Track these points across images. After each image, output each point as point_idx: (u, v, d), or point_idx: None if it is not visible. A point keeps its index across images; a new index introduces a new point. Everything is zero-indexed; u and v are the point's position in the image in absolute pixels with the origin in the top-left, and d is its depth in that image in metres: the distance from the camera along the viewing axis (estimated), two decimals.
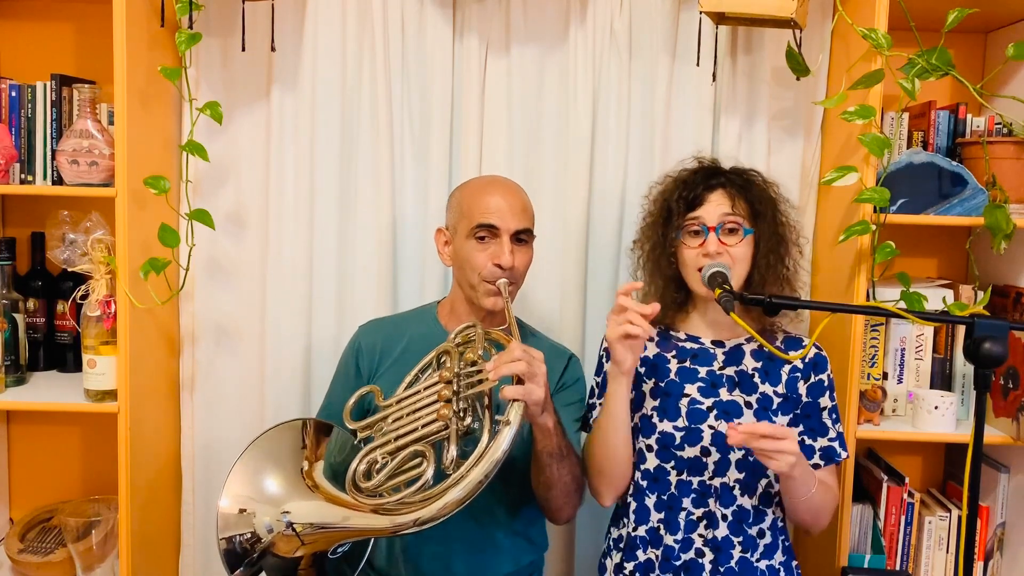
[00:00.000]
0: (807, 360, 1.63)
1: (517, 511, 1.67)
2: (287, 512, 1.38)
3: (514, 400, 1.39)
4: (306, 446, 1.48)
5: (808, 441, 1.61)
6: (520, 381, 1.41)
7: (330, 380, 1.77)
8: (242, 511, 1.38)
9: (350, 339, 1.76)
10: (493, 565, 1.65)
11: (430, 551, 1.62)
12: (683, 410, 1.58)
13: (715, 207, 1.57)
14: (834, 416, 1.63)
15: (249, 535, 1.37)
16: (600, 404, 1.68)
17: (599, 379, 1.70)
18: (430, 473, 1.37)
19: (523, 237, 1.63)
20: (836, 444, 1.61)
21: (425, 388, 1.49)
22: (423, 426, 1.43)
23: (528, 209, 1.66)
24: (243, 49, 1.91)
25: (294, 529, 1.37)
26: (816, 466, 1.59)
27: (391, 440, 1.44)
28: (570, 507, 1.62)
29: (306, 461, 1.46)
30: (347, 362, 1.74)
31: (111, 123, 1.85)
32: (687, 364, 1.63)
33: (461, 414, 1.43)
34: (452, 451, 1.39)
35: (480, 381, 1.44)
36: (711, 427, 1.56)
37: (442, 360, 1.54)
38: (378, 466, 1.43)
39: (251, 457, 1.43)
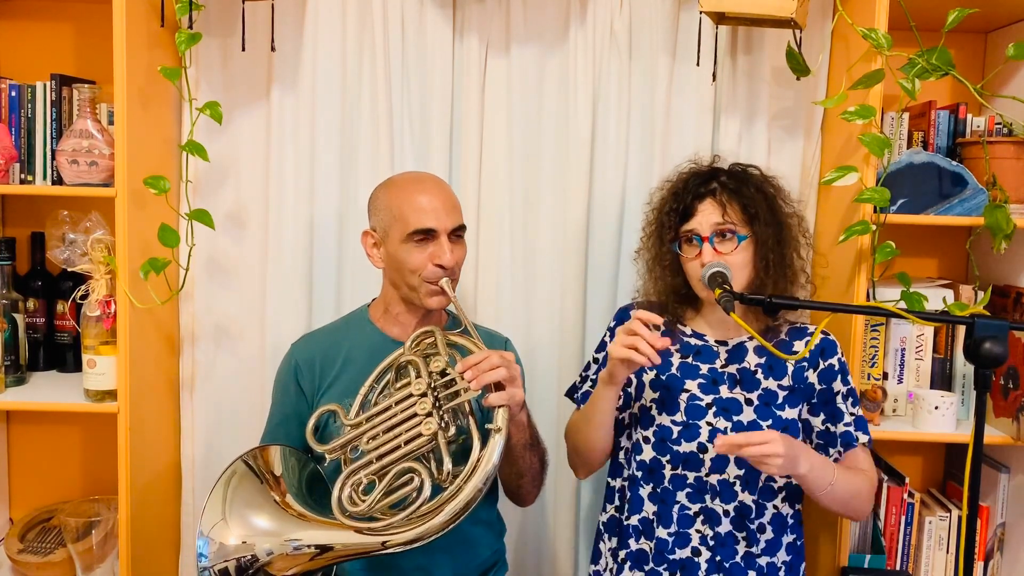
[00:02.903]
0: (813, 347, 1.62)
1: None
2: (296, 539, 1.38)
3: (499, 406, 1.41)
4: (266, 481, 1.47)
5: (831, 428, 1.61)
6: (500, 386, 1.42)
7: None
8: (244, 543, 1.38)
9: (283, 359, 1.71)
10: (469, 559, 1.65)
11: (409, 558, 1.57)
12: (682, 405, 1.58)
13: (706, 216, 1.56)
14: (851, 399, 1.61)
15: (249, 556, 1.37)
16: (592, 379, 1.70)
17: (600, 356, 1.71)
18: (428, 490, 1.37)
19: (459, 233, 1.62)
20: (852, 428, 1.60)
21: (396, 403, 1.46)
22: (406, 442, 1.42)
23: (458, 204, 1.63)
24: (243, 49, 1.91)
25: (304, 549, 1.37)
26: (839, 453, 1.59)
27: (373, 460, 1.43)
28: (537, 488, 1.67)
29: (275, 495, 1.45)
30: (285, 383, 1.68)
31: (111, 123, 1.85)
32: (689, 360, 1.63)
33: (445, 425, 1.42)
34: (447, 464, 1.40)
35: (458, 392, 1.44)
36: (709, 424, 1.56)
37: (401, 371, 1.51)
38: (362, 487, 1.42)
39: (217, 504, 1.41)
